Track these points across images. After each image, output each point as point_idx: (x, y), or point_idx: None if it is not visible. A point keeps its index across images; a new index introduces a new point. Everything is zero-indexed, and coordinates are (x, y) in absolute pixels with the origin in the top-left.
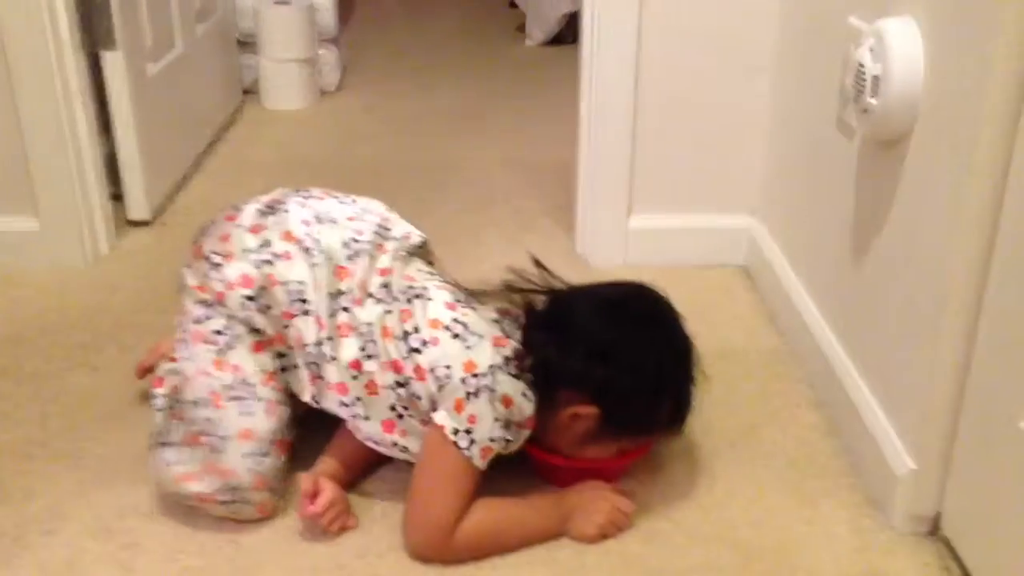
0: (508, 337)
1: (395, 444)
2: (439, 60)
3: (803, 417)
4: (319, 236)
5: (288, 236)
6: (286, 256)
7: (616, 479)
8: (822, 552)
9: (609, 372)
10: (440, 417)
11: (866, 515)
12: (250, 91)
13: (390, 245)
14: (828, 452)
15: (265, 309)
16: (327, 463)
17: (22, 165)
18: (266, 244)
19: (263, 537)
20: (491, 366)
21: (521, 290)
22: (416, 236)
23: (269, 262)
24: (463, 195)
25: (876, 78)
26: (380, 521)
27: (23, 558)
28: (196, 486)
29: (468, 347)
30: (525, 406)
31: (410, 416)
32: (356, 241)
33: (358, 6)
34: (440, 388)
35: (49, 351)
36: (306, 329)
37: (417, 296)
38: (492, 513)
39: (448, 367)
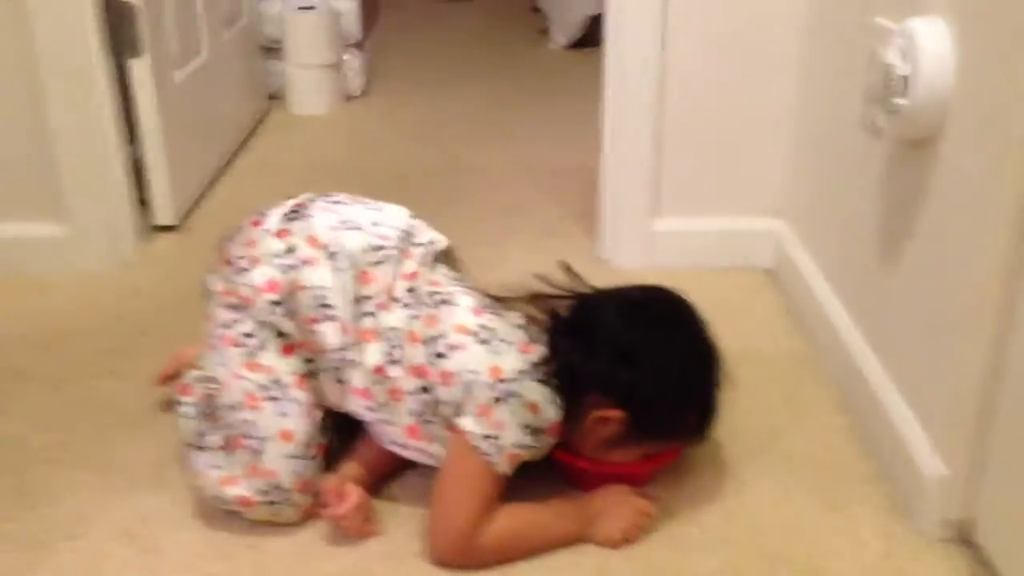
0: (534, 343)
1: (420, 449)
2: (463, 64)
3: (830, 421)
4: (344, 241)
5: (313, 241)
6: (311, 261)
7: (643, 484)
8: (850, 558)
9: (634, 375)
10: (465, 423)
11: (895, 521)
12: (275, 96)
13: (416, 251)
14: (856, 456)
15: (292, 314)
16: (351, 467)
17: (50, 172)
18: (291, 249)
19: (285, 543)
20: (518, 371)
21: (546, 296)
22: (441, 242)
23: (294, 267)
24: (486, 199)
25: (905, 78)
26: (403, 526)
27: (47, 562)
28: (237, 490)
29: (494, 352)
30: (552, 412)
31: (434, 423)
32: (381, 248)
33: (382, 11)
34: (466, 393)
35: (75, 357)
36: (330, 334)
37: (443, 302)
38: (516, 519)
39: (474, 372)
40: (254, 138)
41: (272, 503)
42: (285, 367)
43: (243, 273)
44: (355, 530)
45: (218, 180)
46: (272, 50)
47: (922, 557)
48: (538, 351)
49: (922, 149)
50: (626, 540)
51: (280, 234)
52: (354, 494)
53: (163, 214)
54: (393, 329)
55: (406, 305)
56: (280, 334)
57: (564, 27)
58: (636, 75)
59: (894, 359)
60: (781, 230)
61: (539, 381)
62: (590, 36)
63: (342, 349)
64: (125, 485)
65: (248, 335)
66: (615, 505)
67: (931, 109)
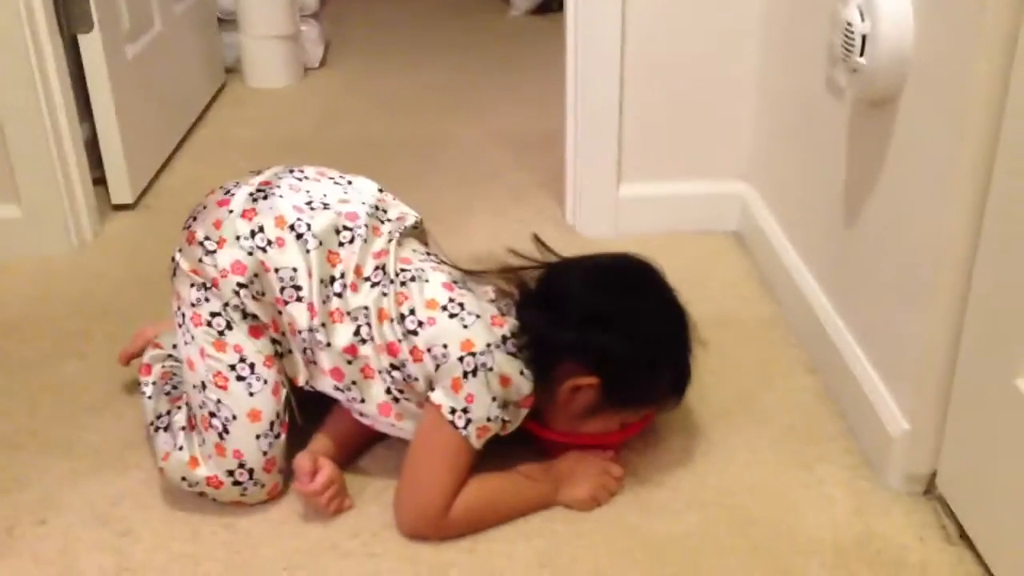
0: (505, 316)
1: (391, 425)
2: (423, 33)
3: (798, 382)
4: (311, 221)
5: (280, 222)
6: (279, 242)
7: (615, 450)
8: (819, 515)
9: (606, 338)
10: (437, 396)
11: (862, 477)
12: (232, 70)
13: (385, 227)
14: (824, 416)
15: (259, 296)
16: (321, 441)
17: (2, 152)
18: (259, 230)
19: (256, 521)
20: (488, 344)
21: (515, 268)
22: (411, 217)
23: (262, 249)
24: (452, 169)
25: (865, 37)
26: (375, 499)
27: (17, 548)
28: (204, 470)
29: (465, 326)
30: (523, 385)
31: (406, 399)
32: (348, 227)
33: None
34: (437, 368)
35: (37, 340)
36: (299, 315)
37: (413, 279)
38: (484, 488)
39: (445, 346)
40: (211, 112)
41: (239, 483)
42: (252, 347)
43: (210, 254)
44: (327, 505)
45: (175, 156)
46: (227, 22)
47: (890, 511)
48: (509, 324)
49: (883, 108)
50: (595, 501)
51: (246, 214)
52: (326, 468)
53: (119, 192)
54: (362, 308)
55: (375, 284)
56: (247, 315)
57: None
58: (597, 40)
59: (858, 319)
60: (747, 193)
61: (510, 354)
62: (551, 1)
63: (311, 330)
64: (93, 468)
65: (215, 314)
66: (582, 467)
67: (891, 68)
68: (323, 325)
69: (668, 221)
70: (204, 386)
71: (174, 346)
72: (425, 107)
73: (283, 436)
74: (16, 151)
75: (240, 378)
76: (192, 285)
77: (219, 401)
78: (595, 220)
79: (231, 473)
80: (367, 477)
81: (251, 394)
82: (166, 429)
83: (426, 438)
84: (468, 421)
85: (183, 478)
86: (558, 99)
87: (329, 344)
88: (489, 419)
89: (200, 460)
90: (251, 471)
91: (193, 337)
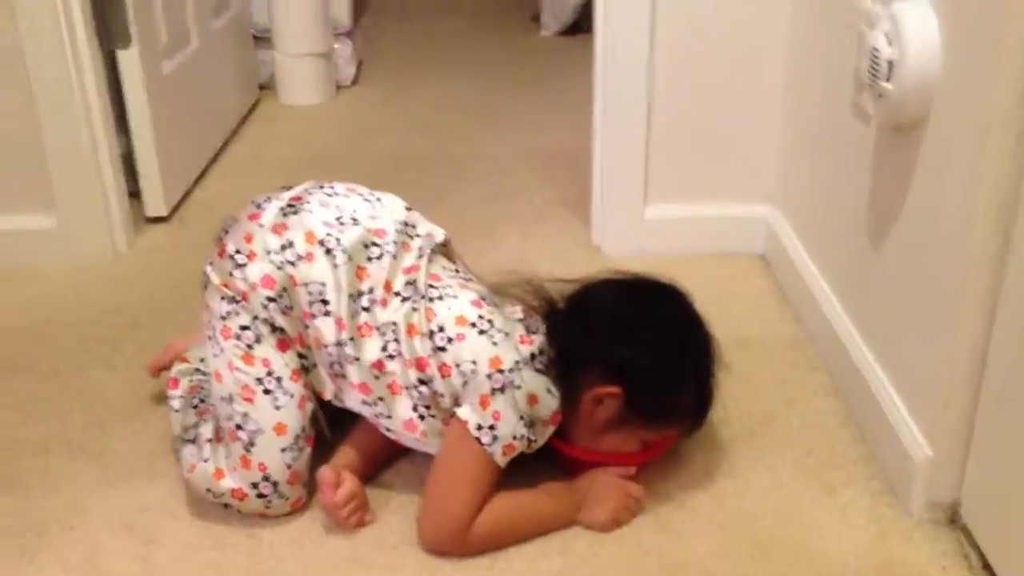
0: (532, 334)
1: (416, 440)
2: (454, 52)
3: (821, 405)
4: (341, 236)
5: (310, 237)
6: (308, 257)
7: (636, 469)
8: (840, 540)
9: (631, 349)
10: (464, 412)
11: (884, 503)
12: (266, 86)
13: (415, 243)
14: (846, 440)
15: (287, 310)
16: (346, 454)
17: (40, 163)
18: (288, 245)
19: (280, 531)
20: (517, 362)
21: (543, 286)
22: (439, 234)
23: (291, 263)
24: (479, 187)
25: (891, 63)
26: (397, 513)
27: (44, 553)
28: (229, 482)
29: (494, 343)
30: (550, 403)
31: (432, 416)
32: (377, 244)
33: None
34: (464, 384)
35: (68, 348)
36: (326, 329)
37: (441, 297)
38: (507, 505)
39: (474, 363)
40: (244, 128)
41: (263, 496)
42: (280, 360)
43: (240, 268)
44: (348, 518)
45: (209, 171)
46: (262, 39)
47: (912, 538)
48: (537, 342)
49: (909, 133)
50: (615, 523)
51: (276, 229)
52: (348, 482)
53: (154, 205)
54: (390, 323)
55: (405, 299)
56: (275, 329)
57: (555, 13)
58: (625, 62)
59: (882, 343)
60: (772, 216)
61: (538, 371)
62: (582, 22)
63: (339, 344)
64: (120, 476)
65: (244, 328)
66: (605, 489)
67: (917, 93)
68: (351, 339)
69: (693, 243)
70: (231, 399)
71: (202, 360)
72: (454, 125)
73: (308, 450)
74: (54, 162)
75: (267, 391)
76: (222, 298)
77: (246, 414)
78: (620, 240)
79: (255, 485)
80: (390, 491)
81: (277, 407)
82: (192, 441)
83: (451, 454)
84: (494, 438)
85: (208, 489)
86: (585, 119)
87: (358, 358)
88: (515, 437)
89: (225, 472)
90: (275, 484)
91: (222, 350)
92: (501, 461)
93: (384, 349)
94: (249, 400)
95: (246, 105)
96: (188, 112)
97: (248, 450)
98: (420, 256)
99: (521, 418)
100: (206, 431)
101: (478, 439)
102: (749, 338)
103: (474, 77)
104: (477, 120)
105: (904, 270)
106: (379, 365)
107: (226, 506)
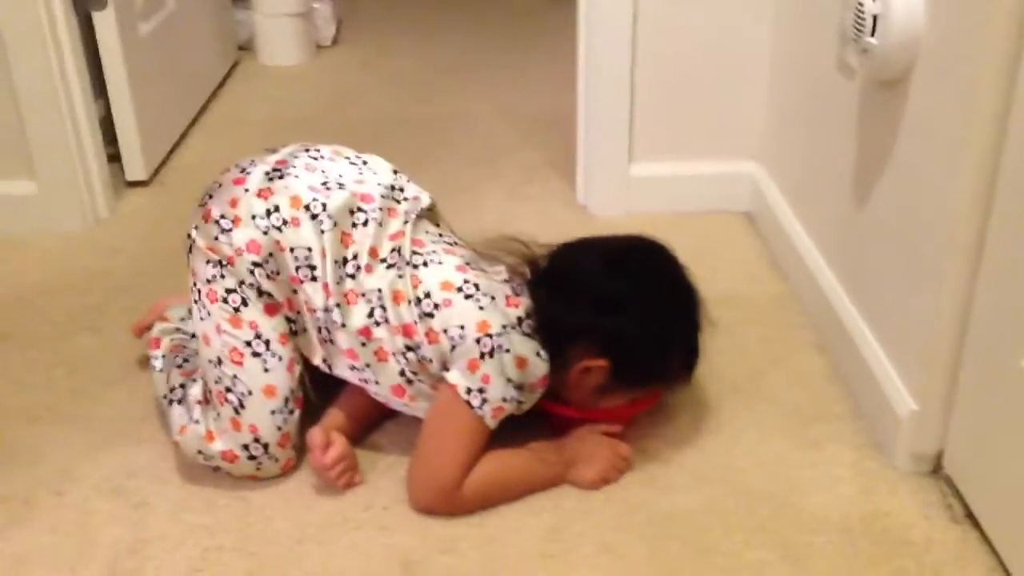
0: (518, 297)
1: (404, 405)
2: (435, 12)
3: (807, 362)
4: (327, 201)
5: (296, 202)
6: (294, 222)
7: (625, 424)
8: (826, 494)
9: (617, 323)
10: (453, 376)
11: (869, 457)
12: (245, 48)
13: (401, 208)
14: (832, 396)
15: (274, 275)
16: (335, 416)
17: (18, 129)
18: (274, 209)
19: (270, 493)
20: (504, 326)
21: (527, 248)
22: (425, 198)
23: (278, 228)
24: (464, 149)
25: (876, 17)
26: (386, 474)
27: (35, 519)
28: (220, 444)
29: (481, 308)
30: (539, 366)
31: (420, 381)
32: (363, 209)
33: None
34: (453, 348)
35: (53, 315)
36: (315, 295)
37: (426, 263)
38: (496, 465)
39: (462, 327)
40: (224, 90)
41: (254, 457)
42: (268, 324)
43: (225, 233)
44: (337, 479)
45: (189, 133)
46: (240, 0)
47: (896, 490)
48: (524, 304)
49: (894, 88)
50: (603, 481)
51: (262, 194)
52: (338, 443)
53: (134, 169)
54: (375, 290)
55: (391, 265)
56: (262, 293)
57: None
58: (609, 20)
59: (867, 299)
60: (758, 173)
61: (525, 335)
62: None
63: (327, 310)
64: (108, 441)
65: (230, 291)
66: (594, 447)
67: (902, 48)
68: (338, 305)
69: (679, 201)
70: (220, 361)
71: (182, 319)
72: (437, 86)
73: (297, 412)
74: (32, 128)
75: (256, 354)
76: (208, 262)
77: (235, 376)
78: (606, 200)
79: (246, 447)
80: (378, 453)
81: (266, 370)
82: (180, 402)
83: (441, 416)
84: (484, 401)
85: (199, 451)
86: (569, 79)
87: (344, 325)
88: (504, 400)
89: (215, 434)
90: (266, 446)
91: (209, 313)
92: (491, 423)
93: (371, 315)
94: (238, 363)
95: (225, 66)
96: (166, 74)
97: (238, 412)
98: (405, 222)
99: (510, 381)
100: (195, 392)
101: (468, 402)
102: (735, 295)
103: (456, 38)
104: (460, 81)
105: (889, 226)
106: (366, 332)
107: (216, 469)
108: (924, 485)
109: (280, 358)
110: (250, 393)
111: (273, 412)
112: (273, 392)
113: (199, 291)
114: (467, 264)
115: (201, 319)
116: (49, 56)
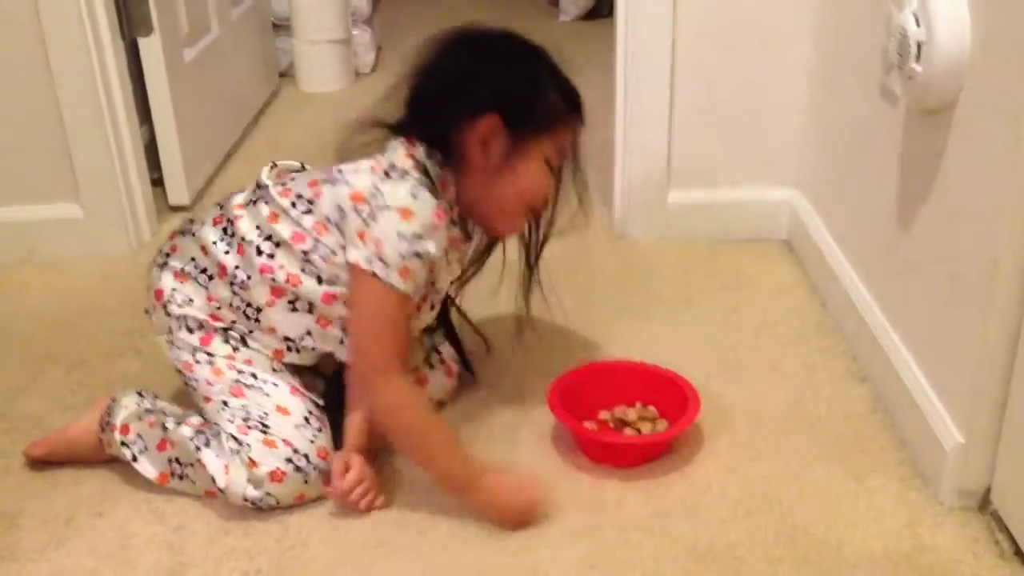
0: (381, 157)
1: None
2: None
3: (848, 391)
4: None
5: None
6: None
7: (661, 453)
8: (869, 527)
9: (484, 79)
10: (351, 255)
11: (914, 489)
12: (286, 74)
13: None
14: (874, 426)
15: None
16: (349, 437)
17: (64, 153)
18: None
19: (308, 517)
20: (375, 186)
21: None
22: (296, 164)
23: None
24: None
25: (920, 44)
26: (412, 492)
27: (75, 540)
28: (266, 467)
29: (346, 182)
30: (424, 205)
31: (342, 284)
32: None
33: None
34: (342, 232)
35: (96, 337)
36: (227, 261)
37: (285, 183)
38: (431, 424)
39: (339, 207)
40: (265, 116)
41: (300, 469)
42: (241, 357)
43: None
44: (358, 502)
45: (230, 159)
46: (281, 27)
47: (942, 525)
48: (386, 158)
49: (938, 116)
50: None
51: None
52: (356, 466)
53: (176, 194)
54: (254, 228)
55: (254, 202)
56: (225, 331)
57: None
58: (647, 46)
59: (910, 329)
60: (797, 201)
61: (396, 181)
62: (602, 7)
63: (237, 267)
64: None
65: (196, 350)
66: (508, 500)
67: (947, 75)
68: (237, 267)
69: (717, 228)
70: (226, 404)
71: (137, 401)
72: None
73: (326, 431)
74: (77, 152)
75: (248, 386)
76: (170, 344)
77: (245, 406)
78: (643, 226)
79: (289, 460)
80: (401, 472)
81: (267, 394)
82: (208, 446)
83: (356, 299)
84: (386, 266)
85: (248, 480)
86: (607, 104)
87: (250, 276)
88: (404, 256)
89: (257, 461)
90: (306, 456)
91: (196, 379)
92: (402, 286)
93: (259, 253)
94: (242, 395)
95: (266, 93)
96: (209, 100)
97: (266, 431)
98: (268, 177)
99: (402, 236)
100: (222, 433)
101: (374, 273)
102: (775, 324)
103: None
104: None
105: (933, 254)
106: (266, 269)
107: (267, 497)
108: (971, 520)
109: (276, 384)
110: (267, 414)
111: (297, 427)
112: (287, 411)
113: (182, 364)
114: (321, 172)
115: (195, 387)
116: (95, 81)
